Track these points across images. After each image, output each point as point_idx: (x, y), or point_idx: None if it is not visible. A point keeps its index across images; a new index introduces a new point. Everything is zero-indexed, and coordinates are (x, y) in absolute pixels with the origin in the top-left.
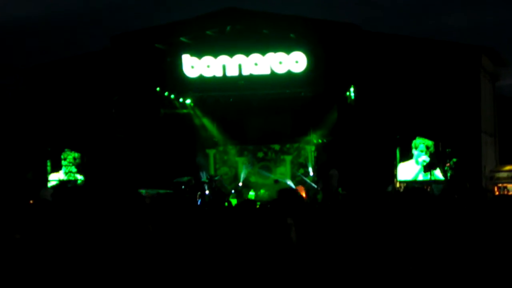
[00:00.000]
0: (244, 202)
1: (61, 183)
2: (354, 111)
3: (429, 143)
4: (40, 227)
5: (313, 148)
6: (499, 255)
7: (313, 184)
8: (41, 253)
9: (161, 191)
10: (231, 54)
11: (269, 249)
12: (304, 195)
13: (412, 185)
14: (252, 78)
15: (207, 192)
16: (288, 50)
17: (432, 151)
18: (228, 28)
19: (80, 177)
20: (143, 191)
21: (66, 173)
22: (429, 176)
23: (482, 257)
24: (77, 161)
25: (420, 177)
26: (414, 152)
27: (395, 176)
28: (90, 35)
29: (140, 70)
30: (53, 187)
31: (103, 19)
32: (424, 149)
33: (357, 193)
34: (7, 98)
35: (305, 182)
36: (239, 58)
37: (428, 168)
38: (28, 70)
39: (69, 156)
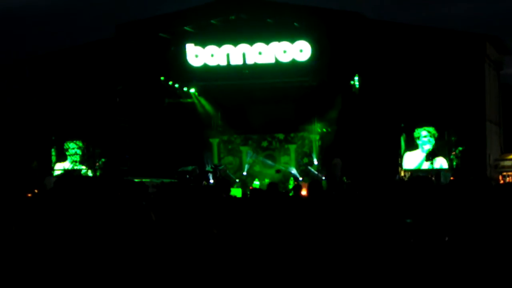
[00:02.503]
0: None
1: (66, 172)
2: (358, 100)
3: (432, 130)
4: (40, 219)
5: (317, 137)
6: (503, 244)
7: (317, 173)
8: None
9: (166, 180)
10: (235, 43)
11: None
12: (305, 193)
13: (416, 174)
14: (256, 67)
15: (211, 181)
16: (292, 39)
17: (436, 138)
18: (232, 17)
19: (83, 167)
20: (147, 180)
21: (72, 162)
22: (430, 164)
23: (485, 245)
24: (82, 150)
25: (425, 166)
26: (419, 141)
27: (400, 165)
28: (95, 24)
29: (145, 59)
30: (58, 176)
31: (108, 8)
32: (428, 135)
33: (362, 182)
34: (12, 88)
35: (309, 171)
36: (243, 47)
37: (430, 156)
38: (33, 60)
39: (74, 146)
